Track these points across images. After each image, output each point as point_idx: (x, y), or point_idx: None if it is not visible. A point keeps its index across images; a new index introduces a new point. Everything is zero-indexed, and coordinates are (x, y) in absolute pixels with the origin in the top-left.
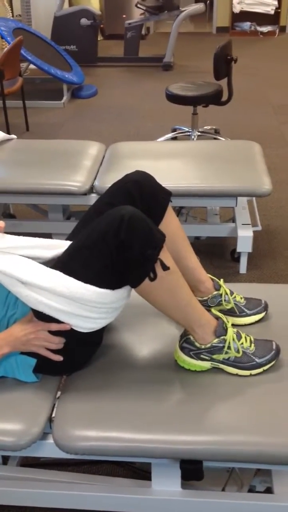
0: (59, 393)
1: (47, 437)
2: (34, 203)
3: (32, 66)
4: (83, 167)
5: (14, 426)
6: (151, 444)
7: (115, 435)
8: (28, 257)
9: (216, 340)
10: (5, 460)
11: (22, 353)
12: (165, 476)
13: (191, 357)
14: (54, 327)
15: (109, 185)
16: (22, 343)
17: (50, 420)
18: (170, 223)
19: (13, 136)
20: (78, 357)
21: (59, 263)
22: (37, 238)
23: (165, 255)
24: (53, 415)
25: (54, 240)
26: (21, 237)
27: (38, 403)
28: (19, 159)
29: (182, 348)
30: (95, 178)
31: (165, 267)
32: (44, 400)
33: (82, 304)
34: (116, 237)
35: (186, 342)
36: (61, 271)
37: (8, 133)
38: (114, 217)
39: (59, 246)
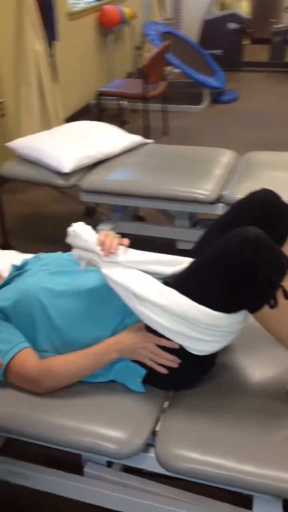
0: (165, 407)
1: (148, 449)
2: (161, 208)
3: (175, 70)
4: (213, 175)
5: (119, 434)
6: (254, 478)
7: (218, 461)
8: (148, 272)
9: None
10: (110, 462)
11: (134, 361)
12: (268, 510)
13: None
14: (163, 342)
15: (239, 196)
16: (129, 351)
17: (153, 433)
18: None
19: (150, 140)
20: (186, 376)
21: (176, 281)
22: (159, 254)
23: (287, 282)
24: (157, 428)
25: (175, 256)
26: (143, 252)
27: (143, 414)
28: (152, 164)
29: None
30: (224, 188)
31: (287, 295)
32: (149, 412)
33: (195, 325)
34: (239, 259)
35: None
36: (177, 289)
37: (148, 135)
38: (238, 238)
39: (180, 263)
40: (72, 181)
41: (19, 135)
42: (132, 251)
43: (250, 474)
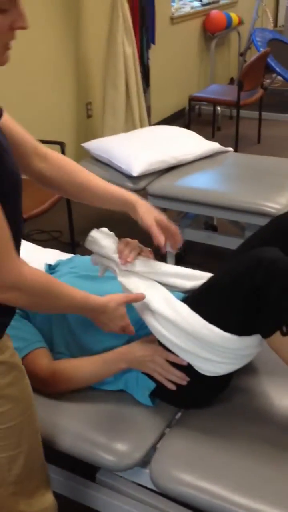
0: (172, 423)
1: (146, 465)
2: (230, 219)
3: (279, 77)
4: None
5: (118, 446)
6: (244, 511)
7: (211, 488)
8: (166, 285)
9: None
10: None
11: (144, 374)
12: None
13: None
14: (171, 358)
15: None
16: (138, 362)
17: (154, 448)
18: None
19: (229, 148)
20: (196, 395)
21: (191, 297)
22: (179, 267)
23: None
24: (158, 445)
25: (196, 271)
26: (163, 263)
27: (148, 428)
28: (225, 173)
29: None
30: None
31: None
32: (154, 427)
33: (205, 345)
34: (250, 281)
35: None
36: (191, 305)
37: (237, 144)
38: (253, 258)
39: (199, 278)
40: (141, 184)
41: (103, 136)
42: (153, 262)
43: (240, 506)
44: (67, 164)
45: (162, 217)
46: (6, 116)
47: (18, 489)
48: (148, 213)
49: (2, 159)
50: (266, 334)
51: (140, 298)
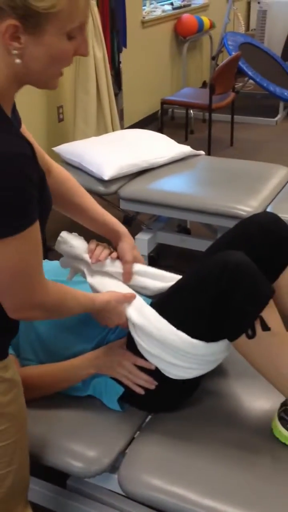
0: (142, 428)
1: (115, 470)
2: (203, 222)
3: (251, 81)
4: (260, 192)
5: (86, 452)
6: None
7: (182, 493)
8: (137, 285)
9: None
10: None
11: (113, 378)
12: None
13: None
14: (139, 362)
15: (282, 215)
16: (106, 368)
17: (123, 454)
18: None
19: (201, 152)
20: (165, 399)
21: (158, 301)
22: (150, 267)
23: (269, 314)
24: (127, 450)
25: (166, 272)
26: (134, 263)
27: (117, 434)
28: (197, 176)
29: (280, 418)
30: (268, 205)
31: (265, 327)
32: (123, 432)
33: (172, 350)
34: (216, 285)
35: (285, 413)
36: (157, 309)
37: (210, 147)
38: (218, 263)
39: (170, 279)
40: (113, 188)
41: (75, 140)
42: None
43: (210, 510)
44: (67, 180)
45: (141, 258)
46: (23, 126)
47: (1, 508)
48: (130, 250)
49: (46, 179)
50: (232, 338)
51: (134, 296)
